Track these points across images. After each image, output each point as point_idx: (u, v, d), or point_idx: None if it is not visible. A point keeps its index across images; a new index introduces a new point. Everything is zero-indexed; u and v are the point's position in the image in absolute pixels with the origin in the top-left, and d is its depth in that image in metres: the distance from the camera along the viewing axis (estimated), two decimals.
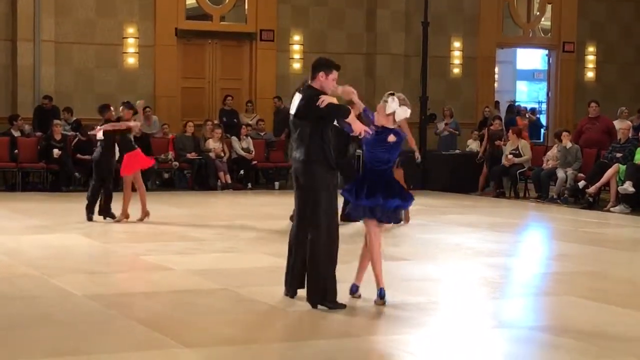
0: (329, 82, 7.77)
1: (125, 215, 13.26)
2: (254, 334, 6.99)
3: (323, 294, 7.65)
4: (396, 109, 7.83)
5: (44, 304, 7.82)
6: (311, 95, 7.70)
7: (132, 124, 13.46)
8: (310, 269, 7.70)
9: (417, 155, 15.02)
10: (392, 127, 7.87)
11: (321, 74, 7.76)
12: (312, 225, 7.67)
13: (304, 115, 7.72)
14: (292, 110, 7.85)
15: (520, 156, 18.23)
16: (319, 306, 7.67)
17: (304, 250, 7.77)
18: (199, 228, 12.82)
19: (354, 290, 8.05)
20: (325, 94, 7.72)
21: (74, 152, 18.48)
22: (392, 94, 7.95)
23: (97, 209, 13.36)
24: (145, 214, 13.34)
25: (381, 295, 7.81)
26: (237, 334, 6.94)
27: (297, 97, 7.83)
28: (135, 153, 13.42)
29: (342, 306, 7.68)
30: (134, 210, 13.28)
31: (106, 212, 13.35)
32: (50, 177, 18.63)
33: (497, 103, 24.20)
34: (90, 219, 13.26)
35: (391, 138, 7.80)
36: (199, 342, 6.62)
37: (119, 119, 13.46)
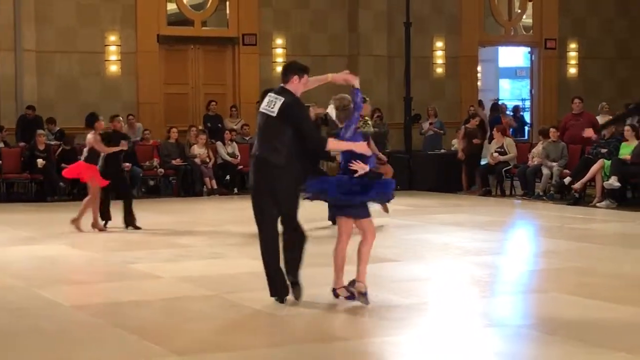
0: (300, 85, 8.03)
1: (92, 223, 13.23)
2: (244, 340, 6.97)
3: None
4: None
5: (32, 315, 7.77)
6: (294, 100, 7.90)
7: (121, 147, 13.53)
8: (292, 264, 7.98)
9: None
10: None
11: (295, 77, 8.01)
12: (292, 227, 7.92)
13: (286, 119, 7.82)
14: (272, 111, 7.89)
15: (506, 154, 18.26)
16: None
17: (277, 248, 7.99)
18: (186, 235, 12.79)
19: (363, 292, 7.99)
20: (297, 97, 7.96)
21: (59, 161, 18.41)
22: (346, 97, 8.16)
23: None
24: (75, 223, 13.16)
25: (335, 295, 8.05)
26: (228, 340, 6.92)
27: (274, 98, 7.93)
28: (84, 165, 13.34)
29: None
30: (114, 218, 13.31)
31: (130, 222, 13.34)
32: (35, 187, 18.55)
33: (480, 102, 24.23)
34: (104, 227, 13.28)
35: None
36: (190, 349, 6.59)
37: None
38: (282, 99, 7.85)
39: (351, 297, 7.98)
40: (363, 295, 7.85)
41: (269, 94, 8.03)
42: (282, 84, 8.03)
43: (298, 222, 7.99)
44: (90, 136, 13.26)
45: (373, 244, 8.01)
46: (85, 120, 13.56)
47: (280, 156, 7.81)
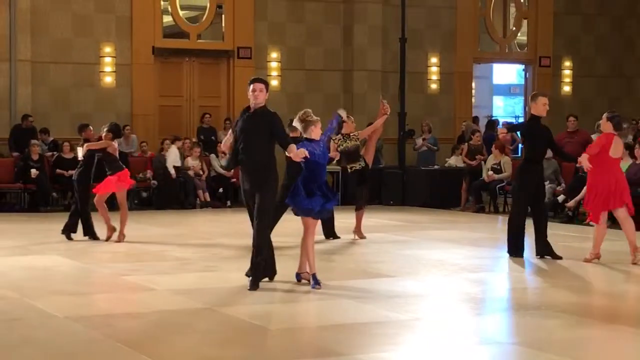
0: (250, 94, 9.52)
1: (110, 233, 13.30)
2: (237, 354, 6.96)
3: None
4: None
5: (26, 326, 7.76)
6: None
7: (108, 143, 13.41)
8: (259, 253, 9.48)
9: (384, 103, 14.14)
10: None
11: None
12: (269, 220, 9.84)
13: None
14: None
15: (501, 172, 18.29)
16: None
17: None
18: (179, 247, 12.76)
19: (299, 279, 9.59)
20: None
21: (54, 166, 18.40)
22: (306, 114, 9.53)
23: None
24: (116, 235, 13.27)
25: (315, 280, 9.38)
26: (221, 353, 6.90)
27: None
28: (124, 173, 13.38)
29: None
30: (102, 229, 13.32)
31: (91, 233, 13.33)
32: (28, 197, 18.51)
33: (475, 118, 24.24)
34: (69, 237, 13.27)
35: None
36: None
37: (100, 138, 13.45)
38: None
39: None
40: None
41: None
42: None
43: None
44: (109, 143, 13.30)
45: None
46: (112, 131, 13.45)
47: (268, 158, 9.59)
